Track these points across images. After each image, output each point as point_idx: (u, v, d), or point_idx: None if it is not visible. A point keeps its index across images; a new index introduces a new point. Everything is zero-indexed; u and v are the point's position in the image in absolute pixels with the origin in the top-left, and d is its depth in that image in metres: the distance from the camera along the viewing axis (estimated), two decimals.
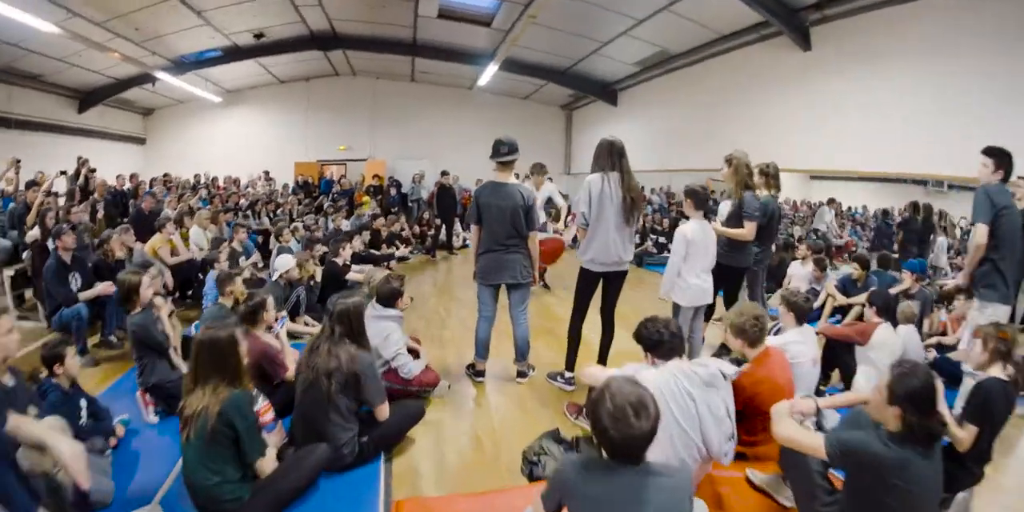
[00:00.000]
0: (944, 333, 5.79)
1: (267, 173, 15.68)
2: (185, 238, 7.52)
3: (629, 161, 4.07)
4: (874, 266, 7.07)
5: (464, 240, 12.62)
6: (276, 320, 4.03)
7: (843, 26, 8.07)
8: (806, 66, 8.74)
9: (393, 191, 15.27)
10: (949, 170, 6.73)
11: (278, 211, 11.98)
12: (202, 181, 13.92)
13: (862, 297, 5.84)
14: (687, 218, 4.44)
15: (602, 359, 4.43)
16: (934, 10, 6.74)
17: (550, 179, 8.09)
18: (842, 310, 6.71)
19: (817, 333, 4.25)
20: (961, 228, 14.02)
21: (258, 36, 11.78)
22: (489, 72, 12.78)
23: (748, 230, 4.80)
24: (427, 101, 17.61)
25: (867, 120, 7.67)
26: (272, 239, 8.41)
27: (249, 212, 11.33)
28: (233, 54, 12.54)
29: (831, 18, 8.17)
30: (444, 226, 12.02)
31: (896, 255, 8.64)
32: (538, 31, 10.73)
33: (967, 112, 6.29)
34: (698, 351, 4.63)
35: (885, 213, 11.90)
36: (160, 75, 12.02)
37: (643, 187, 4.80)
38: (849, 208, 20.94)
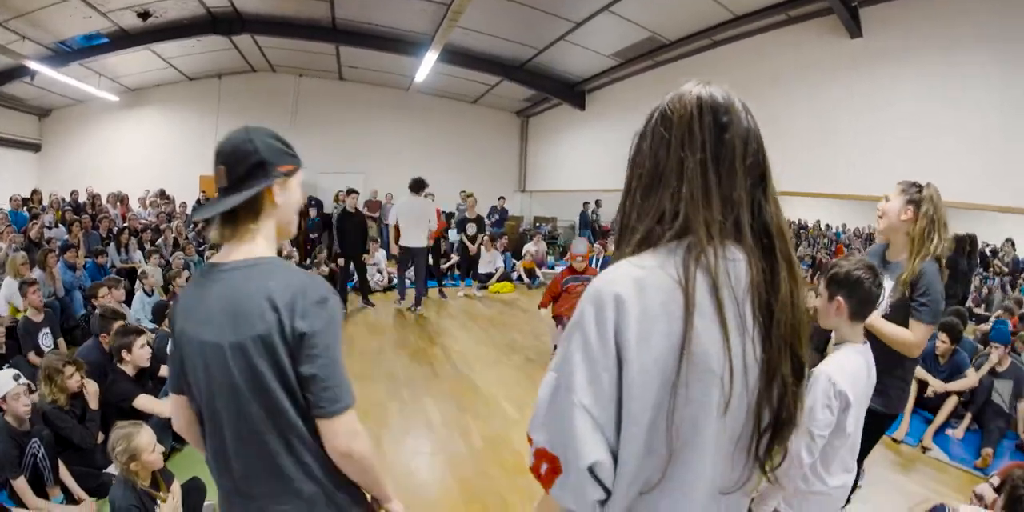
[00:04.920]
0: None
1: (163, 192, 12.88)
2: None
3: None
4: None
5: (391, 278, 9.61)
6: None
7: (909, 4, 5.90)
8: (855, 58, 6.45)
9: (313, 212, 12.37)
10: None
11: (158, 241, 9.27)
12: (80, 199, 11.40)
13: (963, 383, 4.71)
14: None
15: None
16: None
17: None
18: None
19: None
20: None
21: (143, 15, 9.15)
22: (427, 63, 10.19)
23: (919, 336, 2.36)
24: (358, 104, 14.98)
25: (947, 131, 5.52)
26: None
27: (112, 244, 8.68)
28: (122, 40, 9.94)
29: None
30: (352, 265, 8.39)
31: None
32: (491, 5, 8.20)
33: None
34: None
35: None
36: (35, 66, 9.43)
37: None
38: (827, 226, 19.17)
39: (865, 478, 3.51)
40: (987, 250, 12.66)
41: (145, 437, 2.59)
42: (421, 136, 15.35)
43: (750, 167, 0.95)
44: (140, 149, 13.86)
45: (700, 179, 0.93)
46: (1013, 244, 11.51)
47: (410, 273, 8.43)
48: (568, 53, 10.34)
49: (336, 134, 14.75)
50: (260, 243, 1.31)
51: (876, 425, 2.51)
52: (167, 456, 3.00)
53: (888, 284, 2.39)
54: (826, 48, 6.71)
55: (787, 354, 0.96)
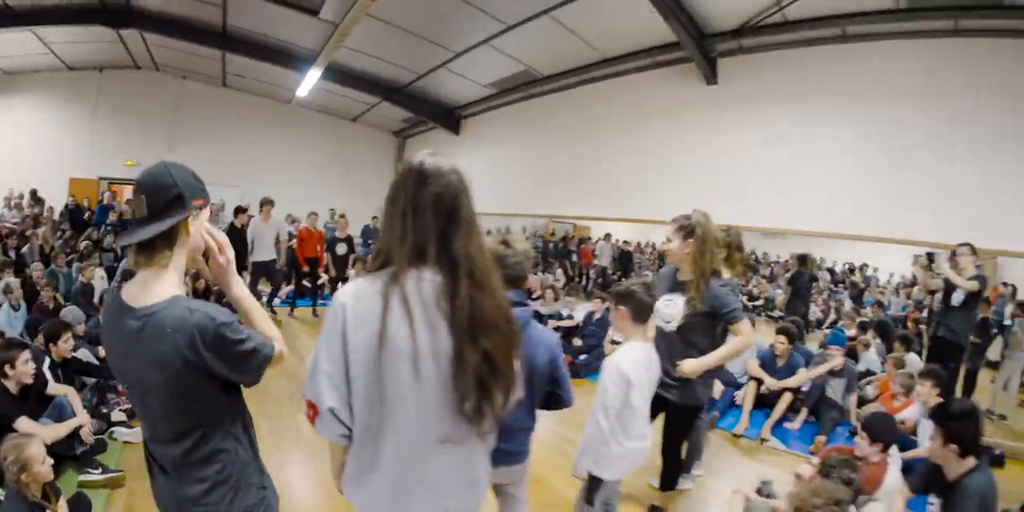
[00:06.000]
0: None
1: (35, 192, 11.62)
2: None
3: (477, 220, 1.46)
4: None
5: (258, 295, 9.08)
6: None
7: (759, 61, 6.97)
8: (713, 101, 7.44)
9: None
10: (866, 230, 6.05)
11: (23, 249, 8.50)
12: None
13: (794, 379, 5.23)
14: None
15: None
16: (874, 53, 6.06)
17: None
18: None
19: None
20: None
21: None
22: (311, 79, 10.35)
23: (745, 330, 2.91)
24: (239, 113, 14.67)
25: (782, 169, 6.68)
26: None
27: None
28: (4, 17, 9.21)
29: (749, 50, 7.01)
30: None
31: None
32: (377, 30, 8.57)
33: (906, 168, 5.75)
34: None
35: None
36: None
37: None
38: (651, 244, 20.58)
39: (703, 468, 4.00)
40: (846, 268, 14.48)
41: (35, 448, 2.59)
42: (299, 151, 15.28)
43: (443, 212, 1.34)
44: (8, 143, 12.59)
45: (400, 225, 1.34)
46: (864, 268, 13.44)
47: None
48: (447, 80, 10.81)
49: (214, 143, 14.29)
50: (170, 275, 1.46)
51: (684, 416, 3.11)
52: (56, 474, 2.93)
53: (680, 300, 2.95)
54: (687, 91, 7.63)
55: (472, 344, 1.33)
